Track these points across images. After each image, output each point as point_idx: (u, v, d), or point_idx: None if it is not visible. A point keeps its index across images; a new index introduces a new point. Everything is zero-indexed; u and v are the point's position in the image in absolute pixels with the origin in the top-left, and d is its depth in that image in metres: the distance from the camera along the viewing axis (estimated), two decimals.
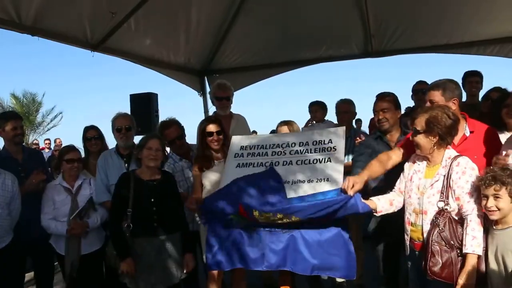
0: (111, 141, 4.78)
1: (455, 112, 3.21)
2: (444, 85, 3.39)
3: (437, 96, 3.34)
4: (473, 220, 2.83)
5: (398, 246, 3.71)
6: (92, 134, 4.72)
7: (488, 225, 2.88)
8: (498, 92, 4.61)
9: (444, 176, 2.97)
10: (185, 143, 4.69)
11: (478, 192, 2.85)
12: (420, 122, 3.03)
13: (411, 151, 3.26)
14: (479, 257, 2.80)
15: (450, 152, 3.06)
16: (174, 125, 4.58)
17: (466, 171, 2.92)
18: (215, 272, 3.95)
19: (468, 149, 3.22)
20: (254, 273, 4.14)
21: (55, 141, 14.47)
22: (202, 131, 4.17)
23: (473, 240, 2.78)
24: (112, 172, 4.26)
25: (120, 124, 4.50)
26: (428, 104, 3.35)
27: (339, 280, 5.25)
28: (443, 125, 2.97)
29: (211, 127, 4.12)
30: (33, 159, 4.60)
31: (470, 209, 2.85)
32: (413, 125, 3.08)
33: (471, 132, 3.35)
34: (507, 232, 2.76)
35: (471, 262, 2.78)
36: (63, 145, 8.50)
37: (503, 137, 3.42)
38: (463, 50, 6.48)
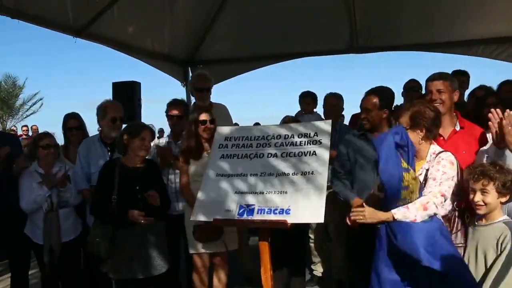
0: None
1: (452, 105, 3.33)
2: (450, 76, 3.47)
3: (445, 86, 3.37)
4: (420, 201, 2.84)
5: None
6: (73, 124, 4.64)
7: (469, 221, 2.90)
8: (483, 90, 4.66)
9: (426, 169, 3.01)
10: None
11: (449, 183, 2.90)
12: (405, 119, 3.06)
13: None
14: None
15: (434, 147, 3.09)
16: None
17: (441, 162, 2.96)
18: (201, 263, 4.09)
19: (457, 144, 3.27)
20: (237, 266, 4.19)
21: (31, 128, 14.22)
22: (194, 120, 4.14)
23: (404, 209, 2.82)
24: (95, 161, 4.18)
25: (116, 114, 4.36)
26: (435, 93, 3.36)
27: (317, 273, 5.31)
28: (427, 117, 3.03)
29: (203, 116, 4.12)
30: (10, 143, 4.42)
31: (427, 192, 2.89)
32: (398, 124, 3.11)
33: (461, 127, 3.39)
34: (490, 228, 2.79)
35: (387, 215, 2.85)
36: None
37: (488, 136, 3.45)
38: (448, 49, 6.54)
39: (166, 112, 4.71)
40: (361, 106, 3.84)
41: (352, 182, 3.87)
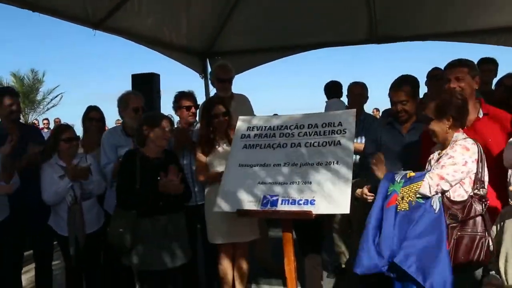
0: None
1: (472, 92, 3.25)
2: (471, 63, 3.35)
3: (464, 73, 3.28)
4: (425, 180, 2.85)
5: None
6: (95, 116, 4.70)
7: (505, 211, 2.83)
8: (511, 79, 4.56)
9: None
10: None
11: (454, 168, 2.84)
12: (431, 109, 3.02)
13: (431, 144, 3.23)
14: None
15: (458, 135, 3.01)
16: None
17: (454, 147, 2.91)
18: (225, 252, 4.14)
19: (481, 131, 3.19)
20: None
21: (54, 121, 14.40)
22: (208, 112, 4.11)
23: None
24: (123, 150, 4.14)
25: (138, 104, 4.38)
26: (453, 81, 3.29)
27: (339, 265, 5.28)
28: (454, 105, 2.96)
29: (218, 109, 4.09)
30: (32, 136, 4.48)
31: (430, 171, 2.90)
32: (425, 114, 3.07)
33: (484, 114, 3.30)
34: None
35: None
36: None
37: None
38: (467, 38, 6.42)
39: (176, 104, 4.64)
40: (393, 100, 3.74)
41: None
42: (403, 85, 3.69)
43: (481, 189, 2.85)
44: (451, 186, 2.85)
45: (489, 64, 5.08)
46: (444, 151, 3.01)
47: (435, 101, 3.02)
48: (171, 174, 3.60)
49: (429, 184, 2.83)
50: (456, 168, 2.84)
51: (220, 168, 3.99)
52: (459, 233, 2.81)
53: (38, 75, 26.71)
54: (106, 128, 4.99)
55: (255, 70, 7.57)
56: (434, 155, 3.13)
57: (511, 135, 3.13)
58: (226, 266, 4.17)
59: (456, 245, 2.80)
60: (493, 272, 2.83)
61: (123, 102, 4.40)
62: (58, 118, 14.69)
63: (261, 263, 5.17)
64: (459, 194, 2.88)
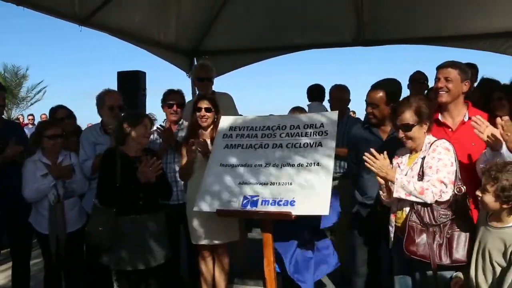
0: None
1: (460, 95, 3.31)
2: (461, 65, 3.36)
3: (453, 74, 3.29)
4: (421, 184, 2.89)
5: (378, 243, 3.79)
6: (63, 114, 4.67)
7: (481, 216, 2.84)
8: (487, 83, 4.62)
9: (422, 158, 3.02)
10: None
11: (447, 170, 2.91)
12: (411, 116, 3.04)
13: None
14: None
15: (429, 138, 3.10)
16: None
17: (436, 149, 2.98)
18: (205, 253, 4.13)
19: (465, 135, 3.22)
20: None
21: (40, 117, 14.23)
22: (193, 107, 4.12)
23: (406, 181, 2.93)
24: (102, 148, 4.12)
25: (113, 103, 4.35)
26: (442, 81, 3.30)
27: None
28: (429, 110, 3.06)
29: (201, 103, 4.06)
30: (13, 132, 4.42)
31: (426, 180, 2.91)
32: (400, 123, 3.07)
33: (469, 118, 3.28)
34: (501, 231, 2.62)
35: (392, 176, 2.96)
36: None
37: None
38: (454, 43, 6.45)
39: (163, 101, 4.66)
40: (366, 101, 3.77)
41: (359, 175, 3.84)
42: (378, 89, 3.70)
43: (462, 187, 2.91)
44: (447, 187, 2.91)
45: (471, 69, 5.10)
46: (418, 154, 3.08)
47: (411, 107, 3.05)
48: (143, 164, 3.58)
49: (433, 192, 2.86)
50: (448, 169, 2.92)
51: (200, 166, 3.97)
52: (449, 231, 2.88)
53: (20, 70, 26.53)
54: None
55: (242, 70, 7.56)
56: (403, 159, 3.19)
57: None
58: (206, 266, 4.16)
59: (449, 243, 2.87)
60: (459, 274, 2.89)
61: (100, 100, 4.38)
62: (44, 114, 14.50)
63: (240, 265, 5.15)
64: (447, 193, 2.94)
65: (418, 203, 2.93)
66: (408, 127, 3.05)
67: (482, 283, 2.64)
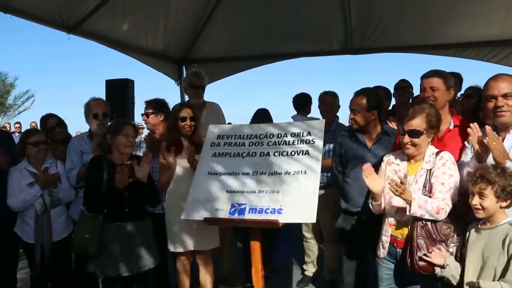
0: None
1: (445, 104, 3.32)
2: (446, 74, 3.40)
3: (439, 83, 3.32)
4: (438, 204, 2.83)
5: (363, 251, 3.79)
6: (53, 122, 4.68)
7: (471, 222, 2.86)
8: (472, 91, 4.69)
9: (428, 170, 2.98)
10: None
11: (455, 186, 2.88)
12: (420, 123, 2.98)
13: None
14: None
15: (432, 148, 3.07)
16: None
17: (446, 164, 2.95)
18: (184, 261, 4.06)
19: (451, 143, 3.24)
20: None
21: (30, 125, 14.11)
22: (175, 116, 4.12)
23: (424, 201, 2.83)
24: (89, 157, 4.12)
25: (97, 110, 4.38)
26: (428, 90, 3.32)
27: (308, 274, 5.30)
28: (438, 118, 3.02)
29: (184, 112, 4.08)
30: (2, 140, 4.41)
31: (440, 197, 2.87)
32: (408, 128, 3.00)
33: (455, 125, 3.33)
34: (494, 231, 2.66)
35: (409, 197, 2.82)
36: None
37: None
38: (441, 51, 6.53)
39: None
40: (349, 107, 3.80)
41: (344, 182, 3.86)
42: (361, 95, 3.73)
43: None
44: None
45: (454, 78, 5.17)
46: (420, 164, 3.04)
47: (423, 113, 2.98)
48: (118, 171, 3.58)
49: (446, 211, 2.85)
50: (456, 186, 2.90)
51: (186, 171, 3.99)
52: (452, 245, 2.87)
53: (7, 78, 26.50)
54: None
55: (229, 79, 7.57)
56: (401, 166, 3.13)
57: None
58: (183, 275, 4.14)
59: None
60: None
61: (86, 108, 4.43)
62: (34, 122, 14.39)
63: (226, 274, 5.14)
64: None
65: (427, 219, 2.87)
66: (416, 134, 2.97)
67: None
